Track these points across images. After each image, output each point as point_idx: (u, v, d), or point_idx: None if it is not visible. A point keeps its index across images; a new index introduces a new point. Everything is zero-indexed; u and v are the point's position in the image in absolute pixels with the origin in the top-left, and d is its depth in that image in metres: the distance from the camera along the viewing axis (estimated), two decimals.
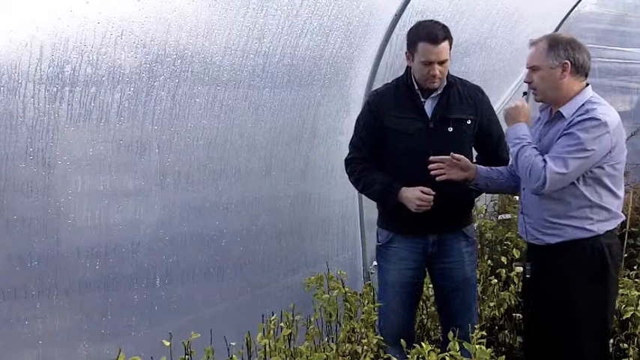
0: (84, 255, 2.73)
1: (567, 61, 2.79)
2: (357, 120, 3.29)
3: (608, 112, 2.76)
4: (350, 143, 3.29)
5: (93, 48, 2.51)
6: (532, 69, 2.85)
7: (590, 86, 2.87)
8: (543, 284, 2.95)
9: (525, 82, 2.93)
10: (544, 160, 2.72)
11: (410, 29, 3.12)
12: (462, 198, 3.15)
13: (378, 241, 3.31)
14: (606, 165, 2.76)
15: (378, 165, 3.18)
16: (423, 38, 3.00)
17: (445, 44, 3.01)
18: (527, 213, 2.95)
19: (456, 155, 2.97)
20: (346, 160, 3.28)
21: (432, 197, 3.00)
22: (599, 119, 2.69)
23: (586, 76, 2.87)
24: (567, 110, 2.80)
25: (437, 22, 3.07)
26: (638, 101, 7.30)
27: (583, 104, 2.78)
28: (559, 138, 2.77)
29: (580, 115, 2.74)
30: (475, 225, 3.39)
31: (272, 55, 3.29)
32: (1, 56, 2.29)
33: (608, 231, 2.85)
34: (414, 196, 3.02)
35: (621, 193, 2.89)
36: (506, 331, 3.82)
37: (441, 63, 3.01)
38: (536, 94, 2.89)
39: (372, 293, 3.44)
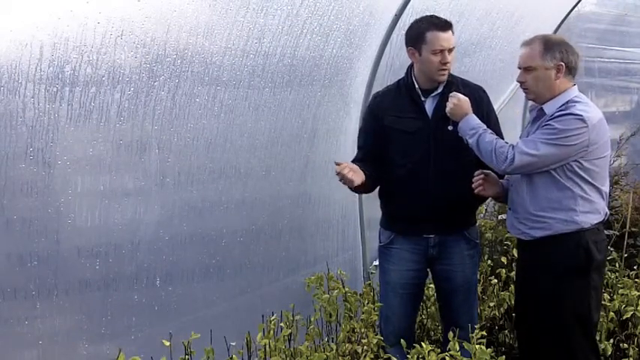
0: (84, 255, 2.73)
1: (562, 63, 2.85)
2: (360, 121, 3.32)
3: (588, 109, 2.83)
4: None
5: (93, 48, 2.51)
6: (526, 69, 2.90)
7: (576, 86, 2.94)
8: (529, 278, 3.01)
9: (518, 81, 2.96)
10: (508, 143, 2.86)
11: (410, 26, 3.12)
12: (464, 201, 3.14)
13: (380, 242, 3.31)
14: (584, 160, 2.82)
15: (375, 165, 3.16)
16: (430, 28, 3.01)
17: (451, 32, 3.03)
18: (514, 209, 3.02)
19: (485, 171, 3.04)
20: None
21: (340, 166, 2.96)
22: (576, 114, 2.78)
23: (574, 76, 2.94)
24: (549, 108, 2.88)
25: (437, 15, 3.10)
26: (638, 101, 7.31)
27: (566, 102, 2.85)
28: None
29: (560, 111, 2.83)
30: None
31: (272, 55, 3.29)
32: (1, 56, 2.29)
33: (594, 227, 2.88)
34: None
35: (605, 188, 2.94)
36: (506, 331, 3.82)
37: (450, 51, 3.02)
38: (529, 94, 2.97)
39: (372, 293, 3.44)
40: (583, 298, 2.89)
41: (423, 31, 3.03)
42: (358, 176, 2.99)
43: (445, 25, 3.01)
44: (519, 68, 2.93)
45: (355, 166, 3.03)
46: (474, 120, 2.96)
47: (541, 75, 2.86)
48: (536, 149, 2.78)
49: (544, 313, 2.92)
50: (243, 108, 3.30)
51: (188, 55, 2.92)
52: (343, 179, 2.96)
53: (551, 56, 2.84)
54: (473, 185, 3.03)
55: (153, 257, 2.99)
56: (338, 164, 2.97)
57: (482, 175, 3.03)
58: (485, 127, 2.95)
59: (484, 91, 3.23)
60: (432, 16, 3.08)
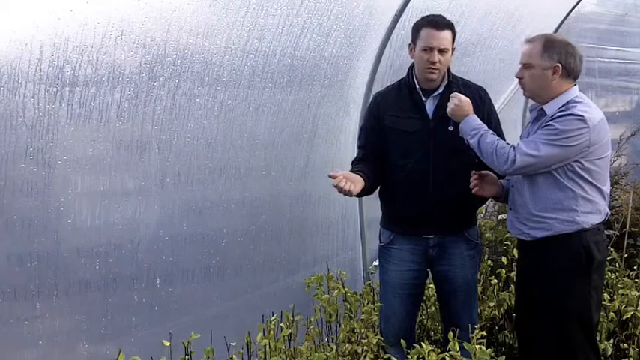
0: (84, 255, 2.73)
1: (559, 64, 2.85)
2: (361, 121, 3.31)
3: (589, 110, 2.82)
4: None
5: (93, 48, 2.51)
6: (524, 66, 2.91)
7: (577, 87, 2.93)
8: (529, 278, 3.01)
9: (516, 76, 2.97)
10: (509, 144, 2.86)
11: (415, 22, 3.13)
12: (464, 201, 3.14)
13: (380, 242, 3.30)
14: (584, 160, 2.82)
15: (376, 164, 3.16)
16: (426, 25, 3.02)
17: (447, 33, 3.01)
18: (515, 209, 3.02)
19: (482, 172, 3.04)
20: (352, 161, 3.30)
21: (336, 179, 2.91)
22: (577, 115, 2.77)
23: (575, 78, 2.93)
24: (550, 108, 2.88)
25: (442, 15, 3.09)
26: (638, 101, 7.31)
27: (566, 102, 2.85)
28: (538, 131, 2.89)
29: (560, 111, 2.82)
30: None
31: (272, 55, 3.30)
32: (1, 56, 2.29)
33: (594, 227, 2.88)
34: None
35: (606, 188, 2.94)
36: (506, 331, 3.82)
37: (442, 52, 3.00)
38: (525, 91, 2.98)
39: (372, 293, 3.44)
40: (583, 298, 2.89)
41: (420, 28, 3.04)
42: (356, 184, 2.94)
43: (441, 25, 3.00)
44: (520, 64, 2.94)
45: (351, 175, 2.98)
46: (474, 121, 2.96)
47: (537, 73, 2.86)
48: (537, 150, 2.78)
49: (544, 313, 2.92)
50: (243, 108, 3.30)
51: (188, 55, 2.92)
52: (341, 191, 2.93)
53: (549, 56, 2.84)
54: (470, 186, 3.03)
55: (153, 257, 2.99)
56: (332, 177, 2.90)
57: (476, 176, 3.03)
58: (486, 127, 2.95)
59: (485, 92, 3.22)
60: (434, 15, 3.09)
